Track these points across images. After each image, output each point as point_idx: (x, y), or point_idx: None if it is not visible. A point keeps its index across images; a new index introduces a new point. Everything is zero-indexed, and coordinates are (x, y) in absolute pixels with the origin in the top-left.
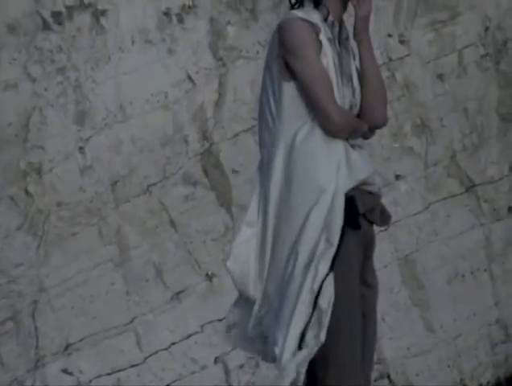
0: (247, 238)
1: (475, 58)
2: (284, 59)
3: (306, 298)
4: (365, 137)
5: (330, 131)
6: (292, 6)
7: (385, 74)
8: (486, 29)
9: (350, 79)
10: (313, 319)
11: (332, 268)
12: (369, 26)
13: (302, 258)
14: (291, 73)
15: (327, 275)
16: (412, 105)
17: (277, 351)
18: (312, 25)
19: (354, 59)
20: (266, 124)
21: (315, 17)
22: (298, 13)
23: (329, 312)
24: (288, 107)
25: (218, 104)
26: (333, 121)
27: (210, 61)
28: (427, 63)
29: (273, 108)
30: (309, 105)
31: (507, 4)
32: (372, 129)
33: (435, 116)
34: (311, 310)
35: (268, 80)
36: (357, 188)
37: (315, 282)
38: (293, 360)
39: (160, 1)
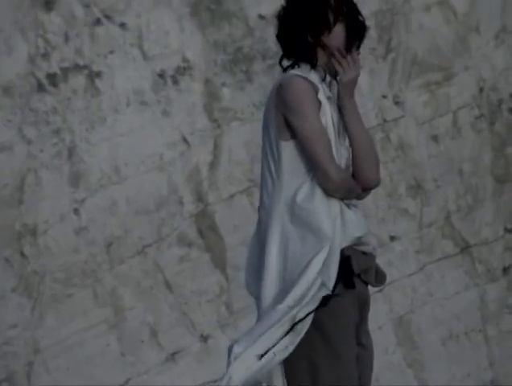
0: None
1: (470, 119)
2: (284, 116)
3: (285, 323)
4: (359, 197)
5: (328, 189)
6: (284, 70)
7: (379, 135)
8: (481, 90)
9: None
10: (281, 343)
11: (318, 307)
12: (353, 92)
13: (291, 300)
14: (291, 132)
15: (312, 311)
16: (407, 166)
17: (236, 349)
18: (312, 83)
19: None
20: (265, 184)
21: (313, 77)
22: (296, 71)
23: (299, 339)
24: (287, 166)
25: (213, 166)
26: (332, 179)
27: (205, 122)
28: (421, 124)
29: (272, 168)
30: (308, 164)
31: (502, 65)
32: (365, 190)
33: (430, 177)
34: (283, 335)
35: (266, 140)
36: (351, 248)
37: (299, 313)
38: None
39: (155, 62)
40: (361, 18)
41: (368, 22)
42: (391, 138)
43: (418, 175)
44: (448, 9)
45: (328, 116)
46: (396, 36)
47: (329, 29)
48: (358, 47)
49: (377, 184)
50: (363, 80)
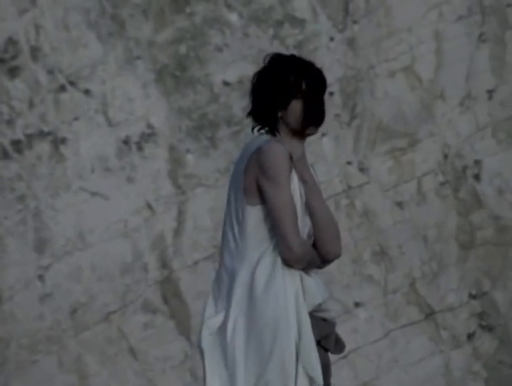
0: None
1: (434, 185)
2: (257, 180)
3: None
4: (319, 268)
5: (288, 260)
6: (253, 129)
7: (344, 201)
8: (445, 156)
9: None
10: None
11: None
12: (307, 164)
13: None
14: (260, 196)
15: None
16: (371, 233)
17: None
18: (287, 151)
19: None
20: (227, 246)
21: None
22: (270, 137)
23: None
24: (252, 231)
25: (178, 232)
26: (293, 251)
27: (169, 189)
28: (386, 190)
29: (236, 231)
30: (272, 230)
31: (466, 132)
32: (325, 263)
33: (395, 243)
34: None
35: (233, 202)
36: (310, 315)
37: None
38: None
39: (120, 129)
40: (322, 96)
41: (332, 89)
42: (356, 205)
43: (382, 242)
44: (413, 75)
45: (295, 183)
46: (361, 102)
47: (284, 105)
48: (317, 126)
49: (336, 257)
50: (328, 147)
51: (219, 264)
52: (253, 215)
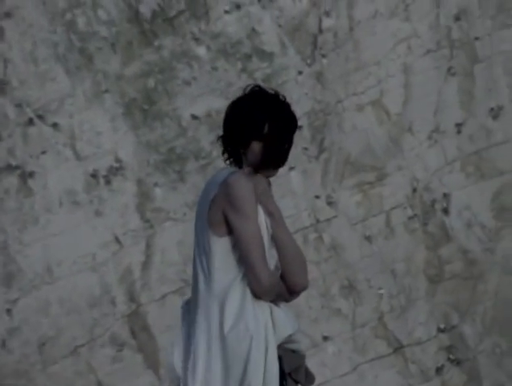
0: None
1: (403, 219)
2: (224, 212)
3: None
4: (286, 301)
5: (257, 292)
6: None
7: (312, 235)
8: (414, 190)
9: None
10: None
11: None
12: (272, 197)
13: None
14: (227, 228)
15: None
16: (340, 267)
17: None
18: (252, 183)
19: None
20: (196, 279)
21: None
22: (237, 169)
23: None
24: (219, 262)
25: (145, 266)
26: (262, 284)
27: (137, 223)
28: (354, 224)
29: (204, 263)
30: (240, 261)
31: (435, 165)
32: (292, 294)
33: (363, 277)
34: None
35: (200, 234)
36: (281, 347)
37: None
38: None
39: (88, 163)
40: (286, 140)
41: (300, 122)
42: (324, 239)
43: (351, 275)
44: (381, 109)
45: (261, 215)
46: (329, 136)
47: (245, 144)
48: (275, 168)
49: (303, 289)
50: (296, 180)
51: (190, 297)
52: (221, 246)
